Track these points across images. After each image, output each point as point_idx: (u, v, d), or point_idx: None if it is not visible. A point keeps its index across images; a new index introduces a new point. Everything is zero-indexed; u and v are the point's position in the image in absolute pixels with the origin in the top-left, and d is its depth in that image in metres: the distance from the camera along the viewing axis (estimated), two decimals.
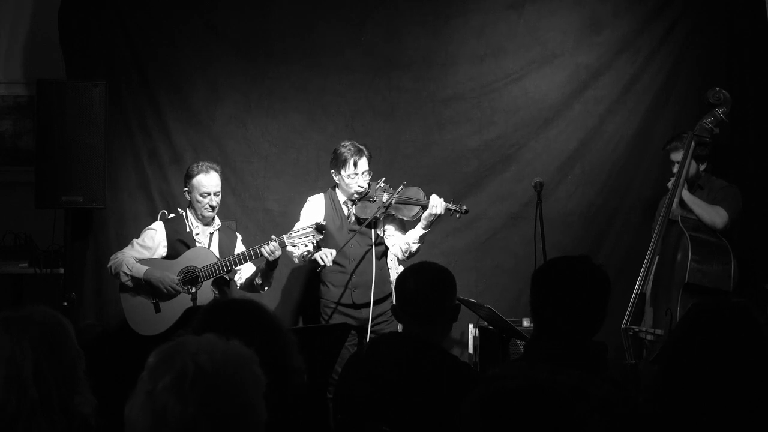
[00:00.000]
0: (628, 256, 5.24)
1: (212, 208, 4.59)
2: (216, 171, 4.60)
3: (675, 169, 4.63)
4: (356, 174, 4.55)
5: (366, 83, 5.36)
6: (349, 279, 4.63)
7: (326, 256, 4.48)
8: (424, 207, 4.51)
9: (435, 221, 4.55)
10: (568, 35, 5.33)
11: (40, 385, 2.19)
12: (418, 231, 4.57)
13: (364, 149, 4.59)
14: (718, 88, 4.57)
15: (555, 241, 4.88)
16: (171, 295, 4.48)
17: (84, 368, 2.32)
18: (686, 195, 4.60)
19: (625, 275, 5.09)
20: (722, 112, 4.54)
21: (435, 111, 5.36)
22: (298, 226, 4.58)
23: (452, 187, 5.27)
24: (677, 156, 4.61)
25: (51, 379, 2.21)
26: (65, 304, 4.81)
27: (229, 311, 2.33)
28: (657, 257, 4.58)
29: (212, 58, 5.35)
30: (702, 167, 4.68)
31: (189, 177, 4.60)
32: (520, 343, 4.44)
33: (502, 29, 5.34)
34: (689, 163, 4.56)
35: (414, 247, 4.61)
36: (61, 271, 5.07)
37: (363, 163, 4.56)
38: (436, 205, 4.46)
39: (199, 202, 4.58)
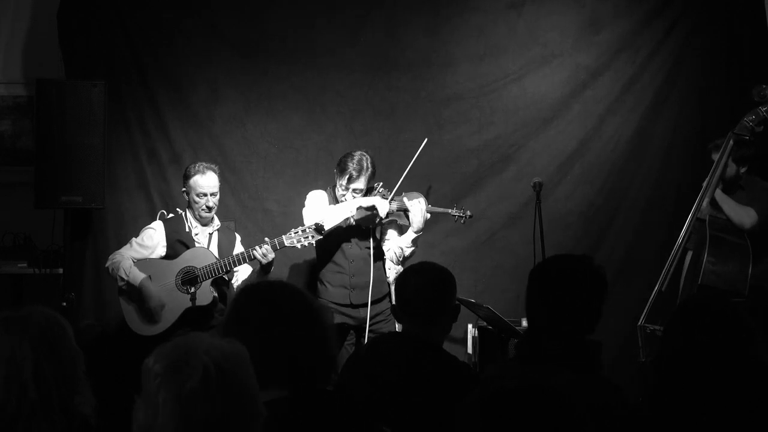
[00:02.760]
0: (628, 255, 5.25)
1: (209, 209, 4.57)
2: (213, 171, 4.58)
3: None
4: (347, 189, 4.54)
5: (365, 83, 5.35)
6: (348, 280, 4.63)
7: (383, 208, 4.47)
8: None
9: (423, 222, 4.54)
10: (567, 35, 5.33)
11: (40, 386, 2.19)
12: (409, 235, 4.57)
13: (367, 169, 4.53)
14: (764, 86, 4.44)
15: (554, 241, 4.88)
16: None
17: (83, 368, 2.32)
18: (718, 194, 4.52)
19: (625, 275, 5.11)
20: (766, 111, 4.41)
21: (434, 111, 5.36)
22: (305, 214, 4.58)
23: (452, 187, 5.28)
24: (717, 156, 4.51)
25: (51, 380, 2.20)
26: (64, 304, 4.80)
27: (271, 297, 2.21)
28: (690, 254, 4.53)
29: (212, 57, 5.35)
30: (743, 169, 4.58)
31: (186, 177, 4.60)
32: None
33: (501, 29, 5.34)
34: (725, 162, 4.47)
35: (407, 251, 4.62)
36: (61, 271, 5.07)
37: (358, 183, 4.52)
38: (416, 213, 4.48)
39: (196, 203, 4.57)
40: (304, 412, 2.08)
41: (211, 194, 4.56)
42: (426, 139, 4.55)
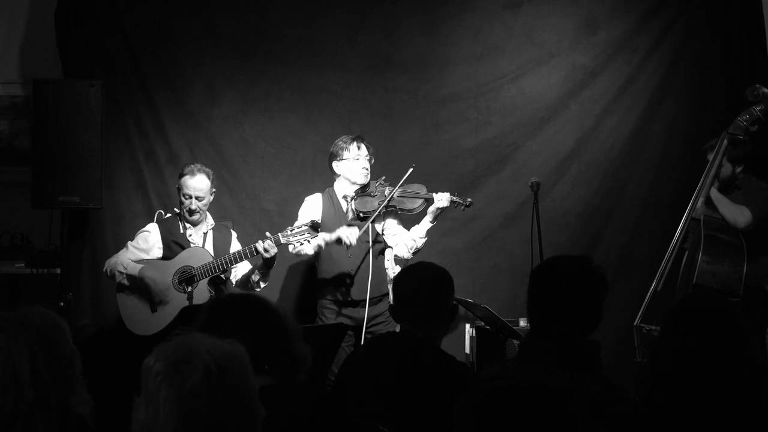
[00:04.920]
0: (625, 255, 5.26)
1: (191, 211, 4.54)
2: (205, 175, 4.55)
3: None
4: (359, 156, 4.56)
5: (363, 83, 5.36)
6: (346, 276, 4.62)
7: (351, 235, 4.44)
8: (427, 200, 4.52)
9: (440, 215, 4.57)
10: (564, 35, 5.34)
11: (37, 386, 2.19)
12: (425, 225, 4.59)
13: (354, 135, 4.66)
14: (758, 85, 4.44)
15: (551, 241, 4.88)
16: (162, 296, 4.47)
17: (80, 368, 2.32)
18: (714, 193, 4.51)
19: (622, 275, 5.11)
20: (760, 110, 4.40)
21: (431, 111, 5.36)
22: (296, 224, 4.59)
23: (449, 187, 5.23)
24: (712, 156, 4.51)
25: (48, 380, 2.20)
26: (62, 304, 4.80)
27: (232, 307, 2.38)
28: (686, 254, 4.54)
29: (209, 58, 5.35)
30: (738, 169, 4.56)
31: (180, 176, 4.60)
32: (517, 343, 4.44)
33: (498, 29, 5.35)
34: (720, 162, 4.46)
35: (420, 243, 4.63)
36: (58, 271, 5.06)
37: (363, 147, 4.60)
38: (442, 198, 4.48)
39: (181, 203, 4.57)
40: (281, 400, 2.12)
41: (197, 197, 4.53)
42: (412, 168, 4.54)
